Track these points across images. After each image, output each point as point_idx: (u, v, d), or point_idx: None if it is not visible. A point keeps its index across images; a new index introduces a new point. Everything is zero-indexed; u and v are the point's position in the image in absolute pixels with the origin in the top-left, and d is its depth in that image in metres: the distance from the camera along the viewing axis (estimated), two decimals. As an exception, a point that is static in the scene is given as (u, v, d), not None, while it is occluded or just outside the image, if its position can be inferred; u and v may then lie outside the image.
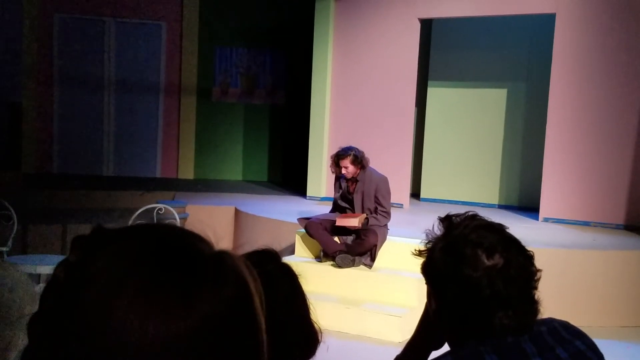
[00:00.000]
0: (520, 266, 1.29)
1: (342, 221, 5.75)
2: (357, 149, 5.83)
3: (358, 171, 5.83)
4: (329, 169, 6.14)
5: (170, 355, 0.57)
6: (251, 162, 11.22)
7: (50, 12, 10.26)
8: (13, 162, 9.14)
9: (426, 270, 1.38)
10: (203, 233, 0.66)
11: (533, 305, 1.31)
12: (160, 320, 0.57)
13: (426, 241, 1.39)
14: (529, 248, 1.35)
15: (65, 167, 10.43)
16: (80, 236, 0.64)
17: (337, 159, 5.84)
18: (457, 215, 1.38)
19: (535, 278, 1.32)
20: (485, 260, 1.27)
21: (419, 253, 1.40)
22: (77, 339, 0.57)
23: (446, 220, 1.38)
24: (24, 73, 9.82)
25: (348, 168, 5.78)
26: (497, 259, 1.27)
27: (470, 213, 1.39)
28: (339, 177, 6.01)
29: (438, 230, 1.38)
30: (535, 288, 1.32)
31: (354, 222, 5.70)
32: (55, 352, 0.58)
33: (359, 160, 5.79)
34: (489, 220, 1.38)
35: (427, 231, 1.40)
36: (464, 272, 1.27)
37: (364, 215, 5.78)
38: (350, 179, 5.91)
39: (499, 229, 1.35)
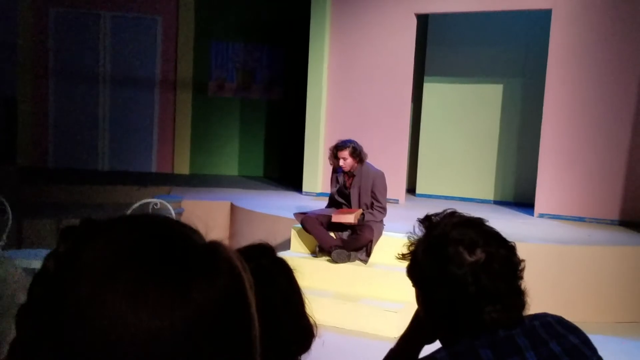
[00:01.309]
0: (502, 259, 1.29)
1: (338, 217, 5.75)
2: (356, 142, 5.85)
3: (356, 165, 5.83)
4: (327, 160, 6.16)
5: (165, 346, 0.57)
6: (247, 157, 11.21)
7: (45, 6, 10.22)
8: (8, 156, 9.13)
9: (412, 273, 1.39)
10: (192, 224, 0.66)
11: (520, 296, 1.32)
12: (155, 312, 0.56)
13: (408, 244, 1.40)
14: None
15: (60, 161, 10.41)
16: (70, 227, 0.63)
17: (335, 150, 5.85)
18: (435, 215, 1.39)
19: (519, 268, 1.32)
20: (468, 257, 1.28)
21: (403, 257, 1.41)
22: (70, 331, 0.56)
23: (426, 221, 1.39)
24: (19, 67, 9.79)
25: (346, 160, 5.79)
26: (479, 254, 1.28)
27: (449, 210, 1.40)
28: (336, 170, 6.01)
29: (419, 232, 1.38)
30: (521, 278, 1.32)
31: (349, 218, 5.70)
32: (46, 343, 0.58)
33: (358, 153, 5.80)
34: (468, 215, 1.39)
35: (409, 234, 1.41)
36: (448, 271, 1.28)
37: (360, 211, 5.79)
38: (347, 173, 5.91)
39: (479, 223, 1.35)
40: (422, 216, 1.40)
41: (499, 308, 1.27)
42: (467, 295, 1.27)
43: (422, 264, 1.34)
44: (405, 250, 1.40)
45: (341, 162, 5.82)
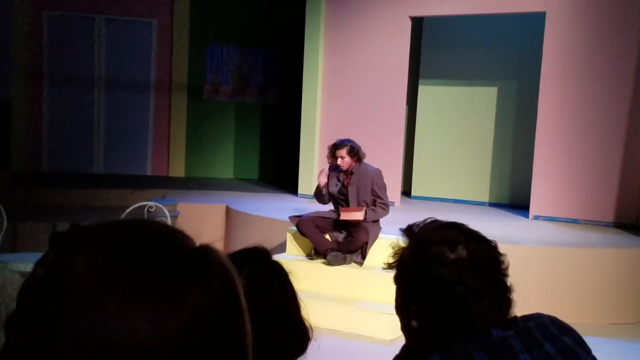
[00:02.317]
0: (485, 254, 1.32)
1: (346, 215, 5.74)
2: (354, 141, 5.87)
3: (353, 163, 5.84)
4: (322, 163, 6.15)
5: (161, 352, 0.56)
6: (242, 160, 11.20)
7: (39, 9, 10.20)
8: (3, 160, 9.10)
9: (399, 279, 1.41)
10: (182, 228, 0.66)
11: (506, 292, 1.33)
12: (152, 318, 0.56)
13: (393, 253, 1.43)
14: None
15: (55, 165, 10.38)
16: (58, 233, 0.62)
17: (334, 149, 5.86)
18: (416, 224, 1.43)
19: (503, 266, 1.34)
20: (450, 254, 1.30)
21: (389, 266, 1.43)
22: (64, 341, 0.55)
23: (407, 230, 1.41)
24: (13, 71, 9.77)
25: (344, 159, 5.79)
26: (461, 251, 1.30)
27: (429, 219, 1.44)
28: (334, 169, 6.00)
29: (403, 241, 1.41)
30: (506, 275, 1.34)
31: (358, 215, 5.69)
32: (38, 353, 0.56)
33: (356, 152, 5.81)
34: (449, 221, 1.43)
35: (393, 244, 1.44)
36: (433, 271, 1.30)
37: (364, 209, 5.77)
38: (345, 171, 5.91)
39: (459, 225, 1.39)
40: (404, 227, 1.44)
41: (486, 304, 1.28)
42: (455, 294, 1.28)
43: (408, 267, 1.37)
44: (390, 260, 1.43)
45: (339, 161, 5.83)
